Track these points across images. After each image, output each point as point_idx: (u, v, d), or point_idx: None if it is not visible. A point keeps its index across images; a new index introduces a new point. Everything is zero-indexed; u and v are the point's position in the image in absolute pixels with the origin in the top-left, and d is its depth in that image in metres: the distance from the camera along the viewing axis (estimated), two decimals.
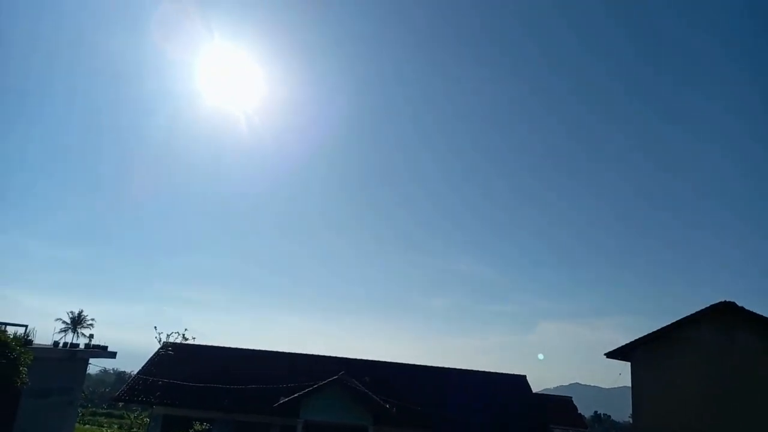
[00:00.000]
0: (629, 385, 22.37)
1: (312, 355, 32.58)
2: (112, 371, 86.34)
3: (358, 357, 32.56)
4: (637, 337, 21.97)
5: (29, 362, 18.15)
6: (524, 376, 32.15)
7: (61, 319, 77.45)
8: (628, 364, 22.34)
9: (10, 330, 20.52)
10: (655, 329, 21.33)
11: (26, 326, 25.34)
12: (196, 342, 33.24)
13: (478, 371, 32.56)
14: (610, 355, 22.31)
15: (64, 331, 70.33)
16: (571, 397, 36.42)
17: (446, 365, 32.69)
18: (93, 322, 76.42)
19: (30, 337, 24.05)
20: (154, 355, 30.12)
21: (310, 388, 25.10)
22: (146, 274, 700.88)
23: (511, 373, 32.54)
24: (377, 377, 28.82)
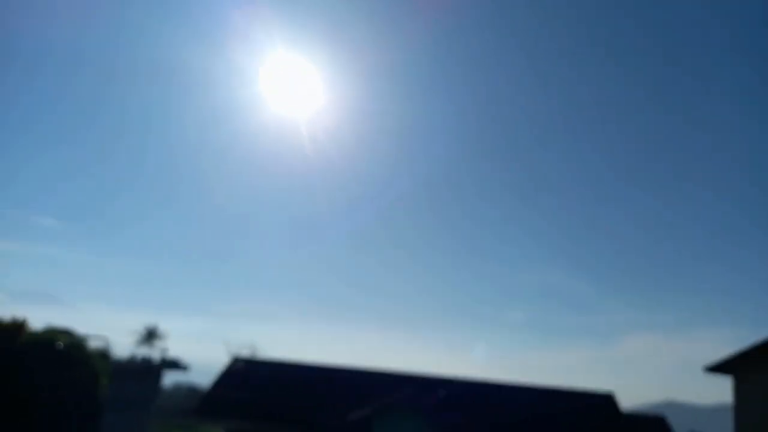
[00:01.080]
0: (731, 402, 20.25)
1: (381, 371, 31.94)
2: (184, 384, 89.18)
3: (430, 373, 31.62)
4: (737, 350, 19.78)
5: (109, 374, 18.76)
6: (611, 394, 30.06)
7: (135, 332, 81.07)
8: (730, 379, 20.23)
9: (92, 343, 21.27)
10: (762, 340, 19.16)
11: (105, 340, 26.44)
12: (265, 356, 33.46)
13: (559, 388, 30.77)
14: (712, 369, 20.23)
15: (138, 344, 73.35)
16: (664, 417, 33.81)
17: (523, 381, 31.13)
18: (166, 335, 79.43)
19: (109, 351, 24.93)
20: (224, 369, 30.43)
21: (381, 406, 24.40)
22: (215, 288, 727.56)
23: (596, 390, 30.55)
24: (450, 394, 27.75)
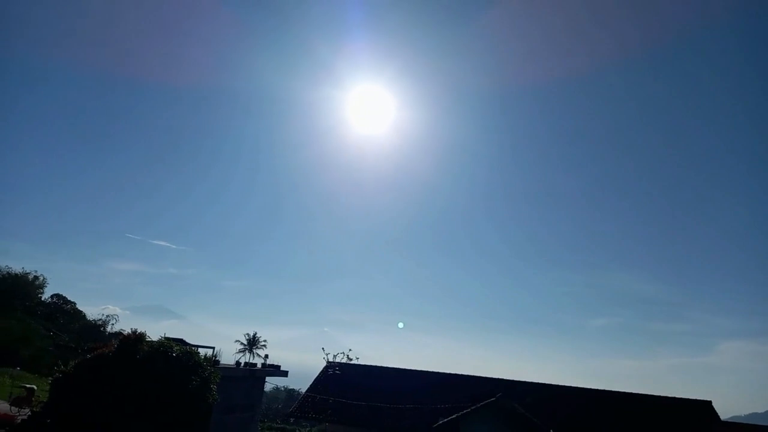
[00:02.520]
0: None
1: (468, 376, 32.17)
2: (283, 389, 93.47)
3: (515, 378, 31.38)
4: None
5: (217, 380, 20.45)
6: (709, 402, 28.17)
7: (238, 341, 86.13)
8: None
9: (201, 351, 23.39)
10: None
11: (213, 348, 28.88)
12: (357, 362, 34.75)
13: (652, 396, 29.31)
14: None
15: (242, 352, 77.95)
16: None
17: (610, 388, 29.96)
18: (265, 344, 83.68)
19: (217, 358, 27.20)
20: (320, 374, 32.14)
21: (469, 410, 24.70)
22: (308, 300, 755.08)
23: (689, 398, 28.76)
24: (537, 400, 27.44)
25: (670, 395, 29.22)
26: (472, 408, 24.63)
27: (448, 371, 32.70)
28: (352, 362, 34.52)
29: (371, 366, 33.69)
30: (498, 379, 31.16)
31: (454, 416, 24.89)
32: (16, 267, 77.92)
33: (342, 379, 31.12)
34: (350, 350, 34.77)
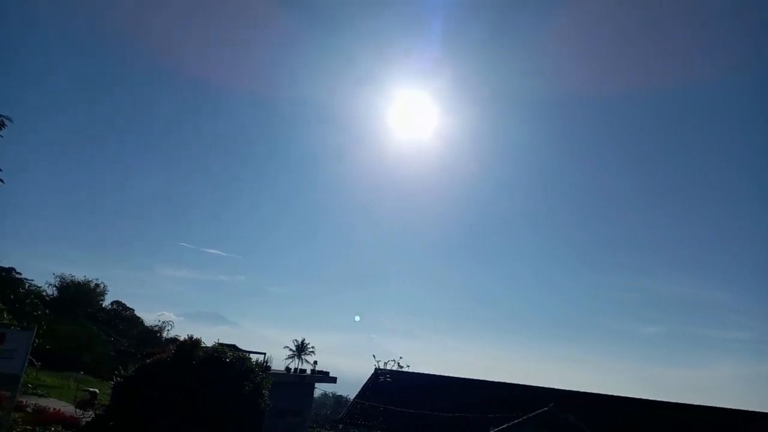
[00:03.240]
0: None
1: (518, 385, 31.51)
2: (331, 395, 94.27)
3: (566, 388, 30.48)
4: None
5: (269, 386, 20.79)
6: None
7: (287, 347, 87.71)
8: None
9: (253, 357, 23.90)
10: None
11: (264, 354, 29.46)
12: (407, 369, 34.65)
13: (710, 407, 27.76)
14: None
15: (291, 357, 79.15)
16: None
17: (665, 399, 28.61)
18: (313, 350, 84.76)
19: (268, 364, 27.72)
20: (368, 380, 32.22)
21: (521, 420, 24.16)
22: (354, 306, 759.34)
23: (754, 410, 27.05)
24: (589, 410, 26.53)
25: (730, 407, 27.64)
26: (524, 418, 24.08)
27: (496, 380, 32.17)
28: (401, 369, 34.41)
29: (420, 374, 33.53)
30: (548, 388, 30.37)
31: (504, 426, 24.40)
32: (78, 275, 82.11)
33: (391, 387, 31.09)
34: (401, 358, 34.75)
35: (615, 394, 29.92)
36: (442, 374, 33.10)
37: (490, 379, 32.32)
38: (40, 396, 30.60)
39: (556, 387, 30.63)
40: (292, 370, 30.62)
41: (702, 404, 28.24)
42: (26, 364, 15.78)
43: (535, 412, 24.14)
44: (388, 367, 33.89)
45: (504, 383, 31.82)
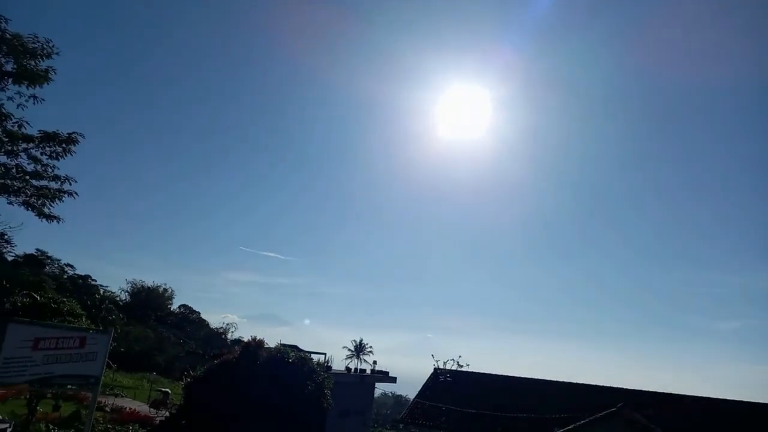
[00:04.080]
0: None
1: (583, 384, 30.47)
2: (390, 394, 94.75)
3: (635, 387, 29.20)
4: None
5: (331, 386, 21.08)
6: None
7: (346, 347, 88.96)
8: None
9: (314, 357, 24.31)
10: None
11: (325, 354, 29.98)
12: (467, 368, 34.25)
13: None
14: None
15: (349, 357, 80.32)
16: None
17: (742, 398, 26.84)
18: (371, 350, 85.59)
19: (329, 364, 28.17)
20: (428, 380, 32.09)
21: (587, 420, 23.37)
22: (410, 305, 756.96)
23: None
24: (659, 410, 25.27)
25: None
26: (591, 418, 23.28)
27: (560, 379, 31.24)
28: (461, 369, 34.04)
29: (481, 373, 33.05)
30: (616, 388, 29.17)
31: (571, 427, 23.68)
32: (148, 280, 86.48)
33: (452, 386, 30.84)
34: (460, 357, 34.38)
35: (687, 393, 28.40)
36: (504, 374, 32.48)
37: (554, 379, 31.42)
38: (117, 396, 32.36)
39: (624, 387, 29.42)
40: (353, 370, 30.97)
41: None
42: (105, 366, 16.69)
43: (604, 412, 23.29)
44: (447, 367, 33.61)
45: (568, 383, 30.85)
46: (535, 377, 31.95)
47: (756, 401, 26.69)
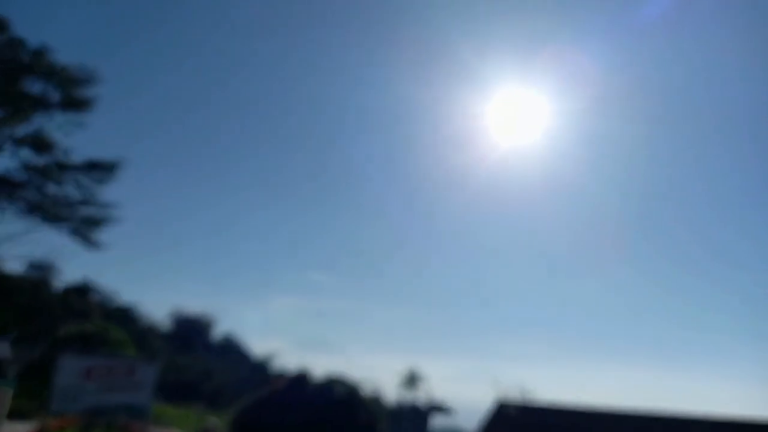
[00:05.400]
0: None
1: (671, 416, 27.26)
2: (447, 428, 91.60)
3: (737, 415, 25.78)
4: None
5: (383, 419, 19.84)
6: None
7: (398, 375, 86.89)
8: None
9: (364, 386, 22.96)
10: None
11: (375, 383, 28.52)
12: (533, 398, 31.81)
13: None
14: None
15: (402, 386, 78.09)
16: None
17: None
18: (427, 378, 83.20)
19: (379, 394, 26.65)
20: (491, 412, 29.87)
21: None
22: (473, 330, 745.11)
23: None
24: None
25: None
26: None
27: (645, 408, 28.10)
28: (527, 398, 31.66)
29: (551, 404, 30.51)
30: (712, 420, 25.87)
31: None
32: (192, 306, 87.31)
33: (517, 419, 28.57)
34: (525, 385, 31.99)
35: (748, 418, 25.03)
36: (580, 406, 29.69)
37: (639, 408, 28.28)
38: (165, 426, 31.70)
39: (724, 416, 26.07)
40: (407, 402, 29.30)
41: None
42: (154, 394, 16.07)
43: None
44: (510, 396, 31.23)
45: (657, 414, 27.64)
46: (619, 408, 28.82)
47: None
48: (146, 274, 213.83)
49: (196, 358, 70.56)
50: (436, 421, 31.22)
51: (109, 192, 23.12)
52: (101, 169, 23.11)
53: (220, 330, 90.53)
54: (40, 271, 50.61)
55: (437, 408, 29.22)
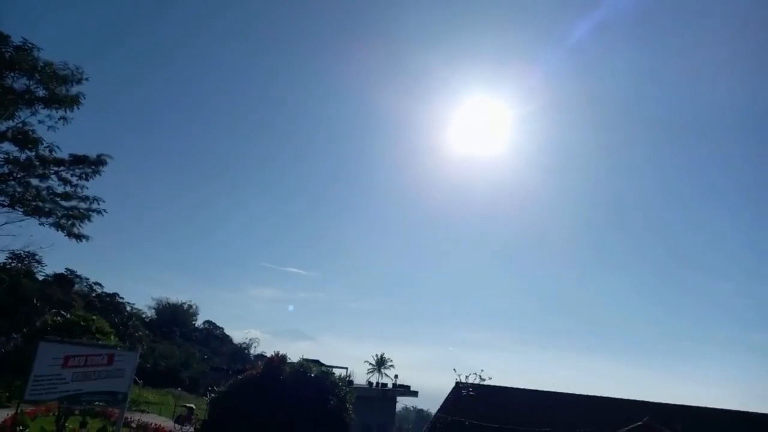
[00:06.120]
0: None
1: (608, 398, 29.97)
2: (412, 408, 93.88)
3: (662, 401, 28.60)
4: None
5: (353, 401, 21.14)
6: None
7: (367, 362, 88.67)
8: None
9: (335, 372, 24.45)
10: None
11: (346, 368, 30.08)
12: (489, 383, 33.84)
13: None
14: None
15: (371, 372, 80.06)
16: None
17: None
18: (392, 364, 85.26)
19: (350, 378, 28.27)
20: (450, 394, 31.84)
21: None
22: (431, 319, 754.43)
23: None
24: (688, 425, 24.72)
25: None
26: None
27: (587, 393, 30.77)
28: (484, 383, 33.68)
29: (504, 387, 32.67)
30: (642, 401, 28.61)
31: None
32: (173, 297, 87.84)
33: (474, 401, 30.58)
34: (482, 371, 33.97)
35: (718, 407, 27.69)
36: (528, 388, 32.06)
37: (580, 393, 30.95)
38: (143, 412, 32.79)
39: (651, 400, 28.87)
40: (374, 385, 30.99)
41: None
42: (132, 382, 16.98)
43: (630, 427, 22.94)
44: (469, 381, 33.28)
45: (594, 396, 30.37)
46: (561, 391, 31.51)
47: None
48: (130, 265, 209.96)
49: (177, 345, 71.51)
50: (403, 402, 33.04)
51: (94, 184, 23.81)
52: (86, 165, 23.70)
53: (201, 319, 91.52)
54: (20, 263, 50.97)
55: (403, 391, 30.97)
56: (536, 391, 31.65)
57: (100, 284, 75.12)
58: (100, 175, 23.31)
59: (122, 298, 74.76)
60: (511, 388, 32.30)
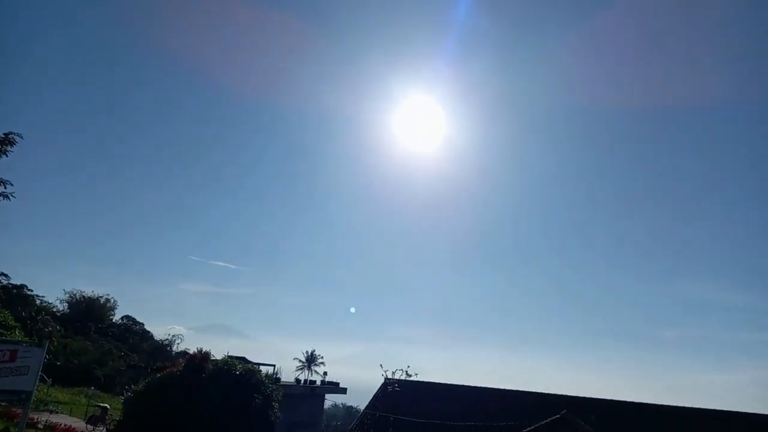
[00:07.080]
0: None
1: (529, 392, 31.26)
2: (341, 405, 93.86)
3: (579, 394, 30.22)
4: None
5: (279, 398, 20.77)
6: None
7: (297, 358, 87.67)
8: None
9: (263, 369, 23.94)
10: None
11: (274, 365, 29.52)
12: (418, 379, 34.37)
13: (733, 412, 27.37)
14: None
15: (300, 369, 79.25)
16: None
17: (684, 404, 28.27)
18: (323, 361, 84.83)
19: (278, 375, 27.76)
20: (378, 390, 32.01)
21: (532, 428, 23.96)
22: (366, 316, 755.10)
23: None
24: (603, 417, 26.23)
25: (756, 411, 27.22)
26: (535, 426, 23.87)
27: (508, 387, 31.97)
28: (411, 378, 34.09)
29: (430, 382, 33.30)
30: (561, 395, 30.08)
31: None
32: (89, 290, 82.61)
33: (401, 396, 30.90)
34: (408, 366, 34.39)
35: (630, 400, 29.61)
36: (454, 383, 32.89)
37: (503, 387, 32.11)
38: (51, 412, 30.76)
39: (569, 394, 30.40)
40: (302, 382, 30.62)
41: (724, 409, 27.92)
42: (38, 380, 15.86)
43: (548, 419, 23.94)
44: (397, 377, 33.63)
45: (515, 391, 31.59)
46: (485, 386, 32.55)
47: (696, 407, 28.17)
48: (42, 256, 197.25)
49: (91, 341, 67.38)
50: (331, 399, 32.80)
51: (5, 167, 21.73)
52: None
53: (120, 313, 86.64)
54: None
55: (331, 388, 30.79)
56: (459, 385, 32.55)
57: (5, 275, 69.28)
58: (6, 156, 21.43)
59: (31, 290, 69.38)
60: (436, 383, 33.02)
